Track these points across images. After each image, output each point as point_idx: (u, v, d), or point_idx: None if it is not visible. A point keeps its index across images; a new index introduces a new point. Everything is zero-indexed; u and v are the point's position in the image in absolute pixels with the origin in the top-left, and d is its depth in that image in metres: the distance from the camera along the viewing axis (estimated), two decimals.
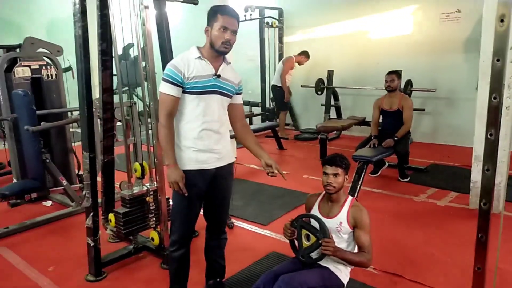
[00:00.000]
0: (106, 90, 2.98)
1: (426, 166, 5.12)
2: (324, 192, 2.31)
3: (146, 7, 2.56)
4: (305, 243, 2.22)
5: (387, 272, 2.73)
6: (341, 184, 2.22)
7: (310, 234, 2.20)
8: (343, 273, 2.25)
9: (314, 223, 2.22)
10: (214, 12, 2.13)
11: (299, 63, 7.08)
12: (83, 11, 2.50)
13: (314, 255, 2.20)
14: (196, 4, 2.85)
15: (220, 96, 2.21)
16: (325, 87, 6.73)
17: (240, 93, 2.37)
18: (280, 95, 7.12)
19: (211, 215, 2.43)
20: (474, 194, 3.72)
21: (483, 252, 1.43)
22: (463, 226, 3.40)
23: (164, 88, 2.13)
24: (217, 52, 2.16)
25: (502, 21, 1.22)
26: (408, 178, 4.68)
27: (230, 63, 2.30)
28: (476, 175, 3.66)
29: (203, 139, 2.19)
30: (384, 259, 2.84)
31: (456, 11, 5.93)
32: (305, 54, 7.04)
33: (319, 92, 6.95)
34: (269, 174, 2.24)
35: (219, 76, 2.19)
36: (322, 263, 2.23)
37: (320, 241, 2.12)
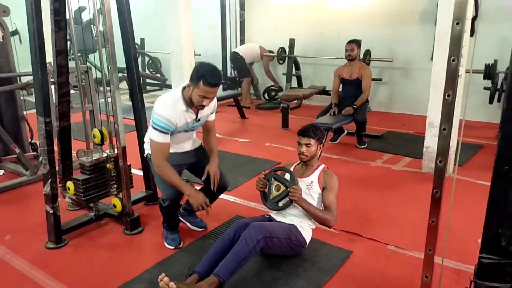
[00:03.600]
0: (60, 52, 2.81)
1: (382, 133, 5.31)
2: (300, 161, 2.52)
3: None
4: (275, 193, 2.38)
5: (346, 232, 2.86)
6: (313, 153, 2.43)
7: (280, 184, 2.35)
8: (306, 231, 2.39)
9: (286, 177, 2.38)
10: (199, 76, 2.25)
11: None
12: None
13: (280, 203, 2.37)
14: None
15: (194, 132, 2.68)
16: (286, 56, 6.72)
17: (213, 112, 2.69)
18: (241, 63, 7.10)
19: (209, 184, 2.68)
20: (427, 158, 3.92)
21: (437, 206, 1.54)
22: (416, 188, 3.60)
23: (160, 138, 2.39)
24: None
25: None
26: (366, 145, 4.85)
27: None
28: (429, 141, 3.86)
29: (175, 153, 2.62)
30: (343, 219, 2.97)
31: None
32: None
33: (281, 61, 6.95)
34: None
35: (199, 120, 2.53)
36: (288, 221, 2.37)
37: (288, 189, 2.27)
